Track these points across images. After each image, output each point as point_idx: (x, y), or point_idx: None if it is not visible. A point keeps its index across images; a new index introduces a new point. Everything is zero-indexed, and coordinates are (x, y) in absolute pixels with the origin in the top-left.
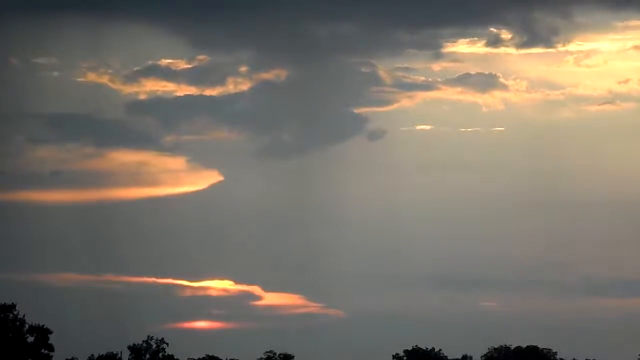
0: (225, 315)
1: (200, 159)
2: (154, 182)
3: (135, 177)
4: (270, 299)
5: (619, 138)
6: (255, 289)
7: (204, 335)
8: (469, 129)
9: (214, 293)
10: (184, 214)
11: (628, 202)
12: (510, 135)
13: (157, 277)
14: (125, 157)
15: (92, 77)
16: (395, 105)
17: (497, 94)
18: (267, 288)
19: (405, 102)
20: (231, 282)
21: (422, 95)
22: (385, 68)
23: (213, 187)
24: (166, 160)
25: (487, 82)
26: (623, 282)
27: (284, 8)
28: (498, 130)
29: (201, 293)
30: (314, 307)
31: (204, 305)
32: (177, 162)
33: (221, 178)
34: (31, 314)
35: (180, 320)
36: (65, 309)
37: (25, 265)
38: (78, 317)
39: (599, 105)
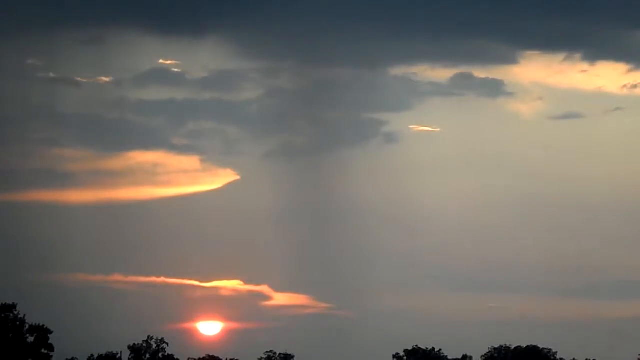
0: (235, 315)
1: (215, 158)
2: (169, 182)
3: (150, 177)
4: (280, 299)
5: (628, 142)
6: (265, 290)
7: (212, 335)
8: (480, 133)
9: (224, 293)
10: (199, 214)
11: (631, 204)
12: (520, 138)
13: (167, 277)
14: (139, 158)
15: (105, 79)
16: (412, 110)
17: (507, 99)
18: (276, 288)
19: (421, 106)
20: (240, 282)
21: (436, 100)
22: (400, 74)
23: (229, 186)
24: (181, 160)
25: (496, 87)
26: (624, 283)
27: (301, 14)
28: (509, 133)
29: (211, 293)
30: (322, 308)
31: (214, 305)
32: (191, 162)
33: (237, 177)
34: (40, 314)
35: (188, 321)
36: (72, 309)
37: (37, 265)
38: (86, 317)
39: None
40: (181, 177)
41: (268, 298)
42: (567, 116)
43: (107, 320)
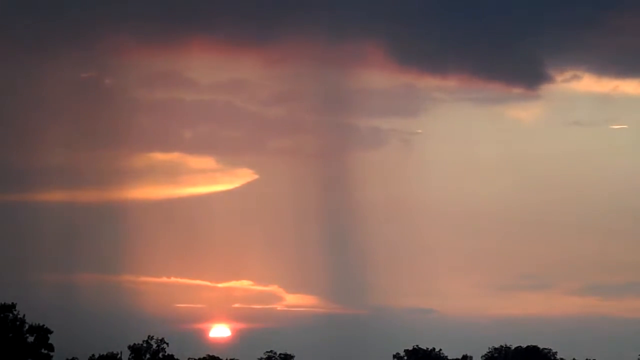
0: (245, 316)
1: (233, 159)
2: (185, 183)
3: (166, 177)
4: (291, 300)
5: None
6: (277, 290)
7: (222, 336)
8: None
9: (234, 294)
10: (213, 214)
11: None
12: (525, 143)
13: (178, 278)
14: (154, 158)
15: (122, 81)
16: (426, 115)
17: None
18: (287, 289)
19: (435, 110)
20: (251, 283)
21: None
22: (412, 82)
23: (246, 186)
24: (198, 160)
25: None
26: (626, 283)
27: (319, 20)
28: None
29: (222, 294)
30: (331, 309)
31: (224, 306)
32: (209, 162)
33: (256, 177)
34: (49, 314)
35: (198, 322)
36: (78, 310)
37: (47, 265)
38: (88, 317)
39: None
40: (198, 177)
41: (279, 299)
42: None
43: (111, 320)
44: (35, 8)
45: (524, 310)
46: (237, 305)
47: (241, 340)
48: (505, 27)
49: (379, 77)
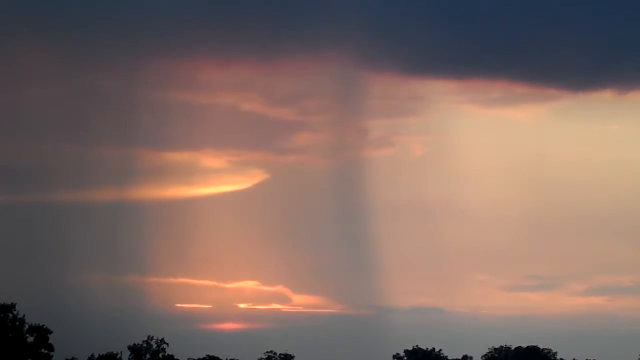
0: (252, 316)
1: (241, 159)
2: (195, 183)
3: (176, 177)
4: (298, 300)
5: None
6: (284, 290)
7: (229, 336)
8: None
9: (242, 294)
10: (222, 214)
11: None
12: (525, 141)
13: (186, 278)
14: (167, 158)
15: (137, 81)
16: (434, 117)
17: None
18: (295, 290)
19: (444, 112)
20: (258, 283)
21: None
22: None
23: (257, 186)
24: (207, 160)
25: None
26: (627, 283)
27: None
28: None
29: (229, 294)
30: (338, 309)
31: (232, 306)
32: (218, 162)
33: (267, 176)
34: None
35: (206, 323)
36: (80, 310)
37: (51, 265)
38: (88, 317)
39: None
40: (210, 177)
41: (285, 299)
42: None
43: (115, 320)
44: (51, 11)
45: (528, 311)
46: (243, 305)
47: (246, 340)
48: (517, 29)
49: (387, 79)
